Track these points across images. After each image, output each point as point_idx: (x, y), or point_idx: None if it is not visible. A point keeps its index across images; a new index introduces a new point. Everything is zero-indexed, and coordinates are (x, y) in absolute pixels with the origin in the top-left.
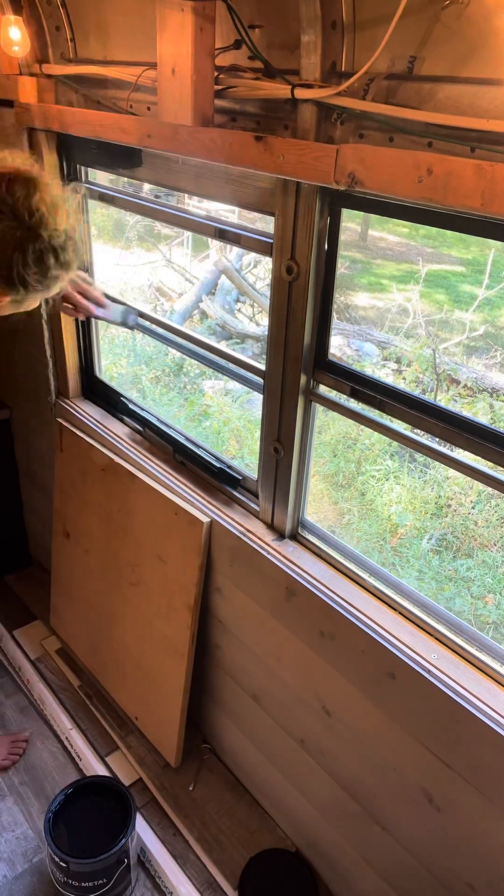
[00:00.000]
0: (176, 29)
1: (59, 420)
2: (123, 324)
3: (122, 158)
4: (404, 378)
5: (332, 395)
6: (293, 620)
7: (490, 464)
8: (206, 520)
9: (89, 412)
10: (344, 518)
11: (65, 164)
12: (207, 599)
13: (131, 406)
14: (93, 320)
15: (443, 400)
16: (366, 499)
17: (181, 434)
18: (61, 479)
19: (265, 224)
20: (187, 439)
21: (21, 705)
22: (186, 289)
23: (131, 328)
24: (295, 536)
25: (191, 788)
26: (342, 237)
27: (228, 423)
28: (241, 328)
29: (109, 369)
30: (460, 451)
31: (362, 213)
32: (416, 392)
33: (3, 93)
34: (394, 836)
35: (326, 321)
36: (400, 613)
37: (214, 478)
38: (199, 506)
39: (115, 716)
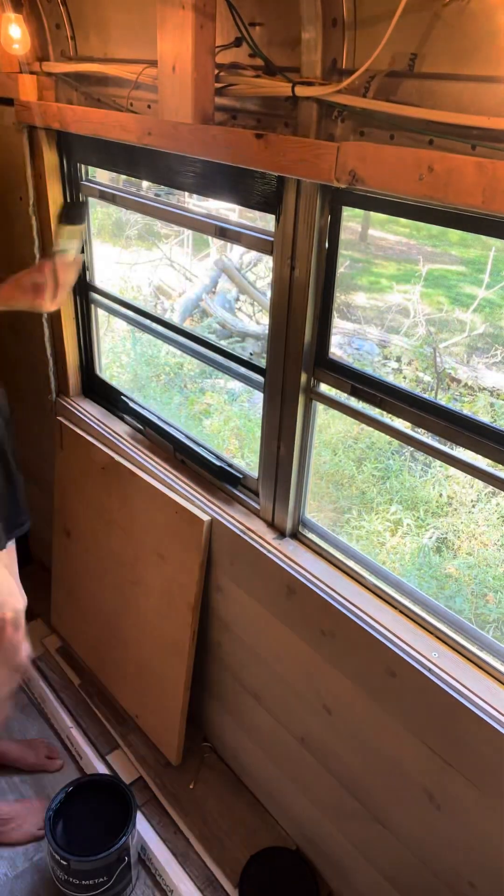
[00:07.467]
0: (176, 26)
1: (60, 418)
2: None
3: (123, 157)
4: (405, 377)
5: (333, 393)
6: (294, 619)
7: (490, 462)
8: (206, 518)
9: (90, 410)
10: (344, 516)
11: (65, 163)
12: (208, 598)
13: (132, 404)
14: (93, 318)
15: (443, 398)
16: (366, 497)
17: (182, 432)
18: (62, 478)
19: (266, 223)
20: (188, 438)
21: (21, 703)
22: (187, 287)
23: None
24: (295, 535)
25: (191, 787)
26: (342, 236)
27: (229, 421)
28: (241, 327)
29: (110, 367)
30: (461, 449)
31: (363, 211)
32: (417, 390)
33: (3, 91)
34: (394, 834)
35: (327, 319)
36: (400, 611)
37: (215, 476)
38: (200, 504)
39: (115, 714)
